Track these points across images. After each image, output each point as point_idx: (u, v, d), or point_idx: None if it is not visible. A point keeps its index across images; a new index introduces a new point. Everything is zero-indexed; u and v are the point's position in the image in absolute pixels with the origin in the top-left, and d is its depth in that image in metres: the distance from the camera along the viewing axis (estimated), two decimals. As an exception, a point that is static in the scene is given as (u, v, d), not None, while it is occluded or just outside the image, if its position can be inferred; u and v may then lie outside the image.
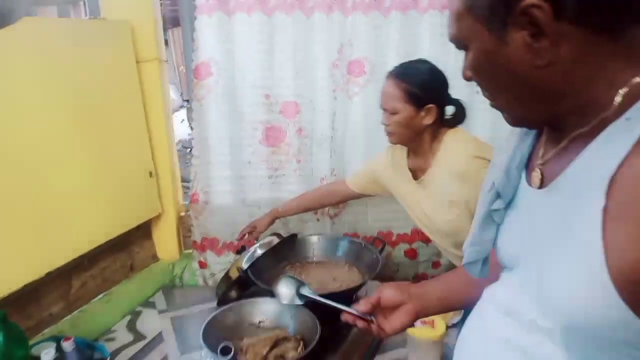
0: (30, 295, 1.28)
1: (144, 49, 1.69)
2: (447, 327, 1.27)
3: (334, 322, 1.24)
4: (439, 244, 1.45)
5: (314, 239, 1.61)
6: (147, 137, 1.73)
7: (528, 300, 0.60)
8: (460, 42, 0.59)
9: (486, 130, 1.74)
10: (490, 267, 0.75)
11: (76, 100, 1.38)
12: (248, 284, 1.44)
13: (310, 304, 1.22)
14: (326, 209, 1.81)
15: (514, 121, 0.63)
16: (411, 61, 1.35)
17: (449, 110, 1.36)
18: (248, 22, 1.66)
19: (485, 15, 0.53)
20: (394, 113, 1.29)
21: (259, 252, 1.40)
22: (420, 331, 1.35)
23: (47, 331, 1.33)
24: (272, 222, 1.66)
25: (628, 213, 0.47)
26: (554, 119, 0.57)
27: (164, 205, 1.82)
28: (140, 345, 1.44)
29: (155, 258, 1.87)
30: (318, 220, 1.84)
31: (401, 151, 1.43)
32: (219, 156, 1.76)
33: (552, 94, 0.54)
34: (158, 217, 1.83)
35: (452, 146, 1.29)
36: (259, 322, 1.27)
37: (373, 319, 0.90)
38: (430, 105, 1.27)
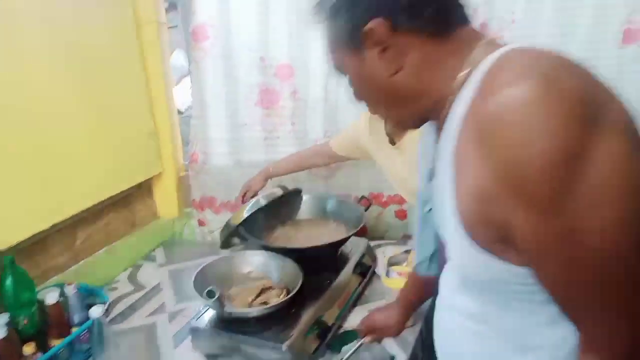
0: (37, 245, 1.38)
1: (143, 12, 1.74)
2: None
3: (318, 273, 1.33)
4: (416, 206, 1.50)
5: (305, 197, 1.67)
6: (147, 99, 1.79)
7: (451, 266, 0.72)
8: (339, 69, 0.69)
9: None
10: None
11: (77, 61, 1.44)
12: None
13: (297, 256, 1.31)
14: (319, 170, 1.87)
15: (396, 125, 0.73)
16: None
17: None
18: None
19: (346, 44, 0.63)
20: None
21: (262, 202, 1.44)
22: (397, 282, 1.44)
23: (53, 279, 1.43)
24: (265, 181, 1.72)
25: (461, 149, 0.55)
26: (424, 115, 0.66)
27: (164, 164, 1.90)
28: (140, 294, 1.54)
29: (156, 215, 1.96)
30: (312, 181, 1.91)
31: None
32: (216, 118, 1.82)
33: (410, 95, 0.62)
34: (159, 176, 1.91)
35: None
36: (248, 272, 1.36)
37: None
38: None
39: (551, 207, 0.45)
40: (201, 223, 1.95)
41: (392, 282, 1.49)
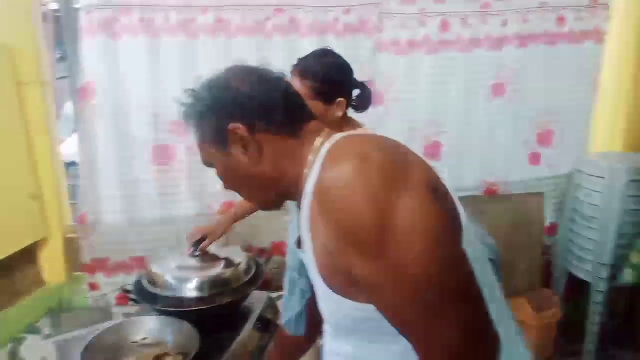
0: None
1: (25, 71, 1.69)
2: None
3: (217, 332, 1.30)
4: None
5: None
6: (28, 159, 1.69)
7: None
8: (208, 163, 0.80)
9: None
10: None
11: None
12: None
13: (194, 318, 1.27)
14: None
15: (260, 206, 0.84)
16: (315, 54, 1.31)
17: (355, 93, 1.35)
18: (133, 44, 1.68)
19: (214, 142, 0.75)
20: None
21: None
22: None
23: None
24: (231, 225, 1.61)
25: (312, 218, 0.68)
26: (284, 196, 0.79)
27: (50, 227, 1.78)
28: (20, 374, 1.40)
29: (41, 282, 1.81)
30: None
31: None
32: (107, 176, 1.76)
33: (271, 181, 0.75)
34: (44, 240, 1.78)
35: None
36: (142, 339, 1.29)
37: None
38: (340, 99, 1.27)
39: (377, 252, 0.58)
40: (93, 287, 1.83)
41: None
